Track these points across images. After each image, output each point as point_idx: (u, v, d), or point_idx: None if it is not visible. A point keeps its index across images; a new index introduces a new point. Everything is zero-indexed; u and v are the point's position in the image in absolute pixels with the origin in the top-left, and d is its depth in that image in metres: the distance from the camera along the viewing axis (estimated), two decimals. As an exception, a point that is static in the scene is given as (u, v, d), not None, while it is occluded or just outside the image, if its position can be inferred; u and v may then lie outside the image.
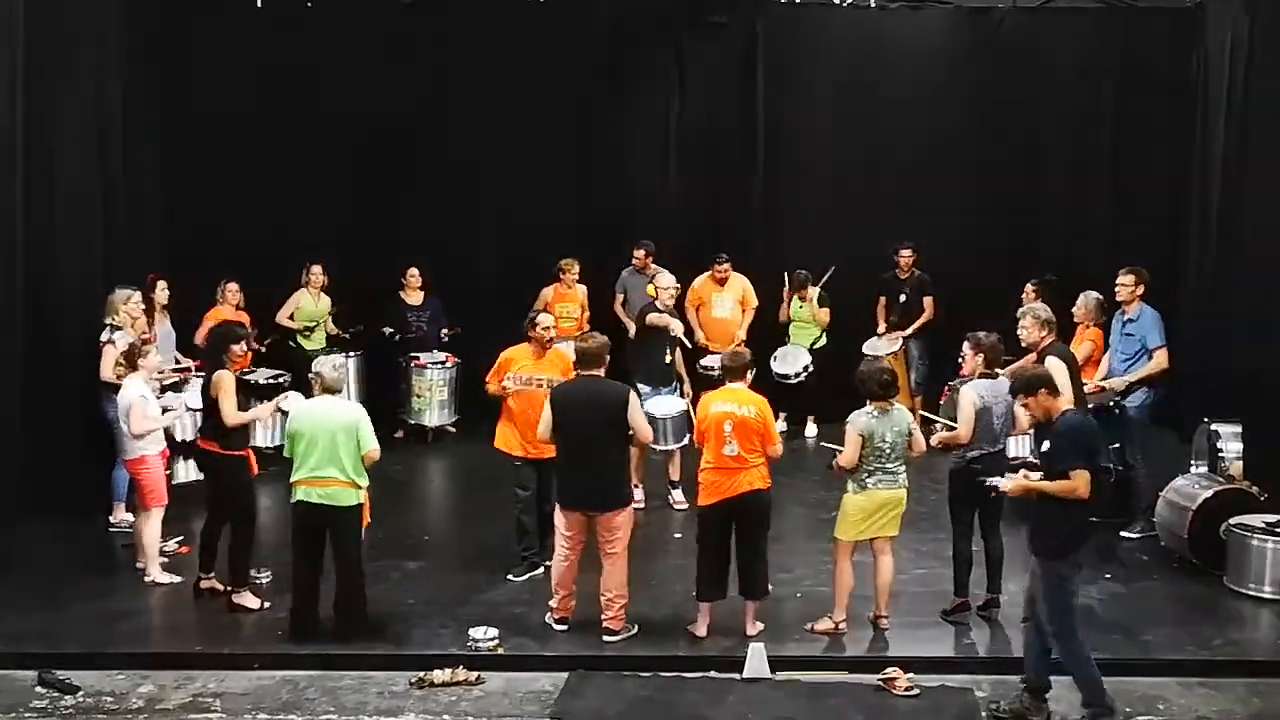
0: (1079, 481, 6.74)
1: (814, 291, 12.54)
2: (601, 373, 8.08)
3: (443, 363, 12.49)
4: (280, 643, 7.89)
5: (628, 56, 13.51)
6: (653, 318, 10.34)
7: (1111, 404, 9.64)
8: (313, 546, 7.94)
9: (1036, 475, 7.16)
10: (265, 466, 9.80)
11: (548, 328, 8.99)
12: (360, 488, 7.84)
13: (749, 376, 8.08)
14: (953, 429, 8.18)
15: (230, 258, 12.20)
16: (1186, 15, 12.52)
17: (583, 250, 12.82)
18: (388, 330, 12.66)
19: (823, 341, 12.50)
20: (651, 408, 9.51)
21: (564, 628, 8.03)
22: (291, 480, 7.89)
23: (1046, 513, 6.90)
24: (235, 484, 8.45)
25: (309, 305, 12.57)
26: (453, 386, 12.53)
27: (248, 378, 10.66)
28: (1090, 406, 9.48)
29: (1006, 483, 7.22)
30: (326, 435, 7.76)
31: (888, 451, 7.77)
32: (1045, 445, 7.04)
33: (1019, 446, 9.80)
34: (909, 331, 12.69)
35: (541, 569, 8.79)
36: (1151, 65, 12.84)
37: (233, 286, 11.76)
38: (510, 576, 8.89)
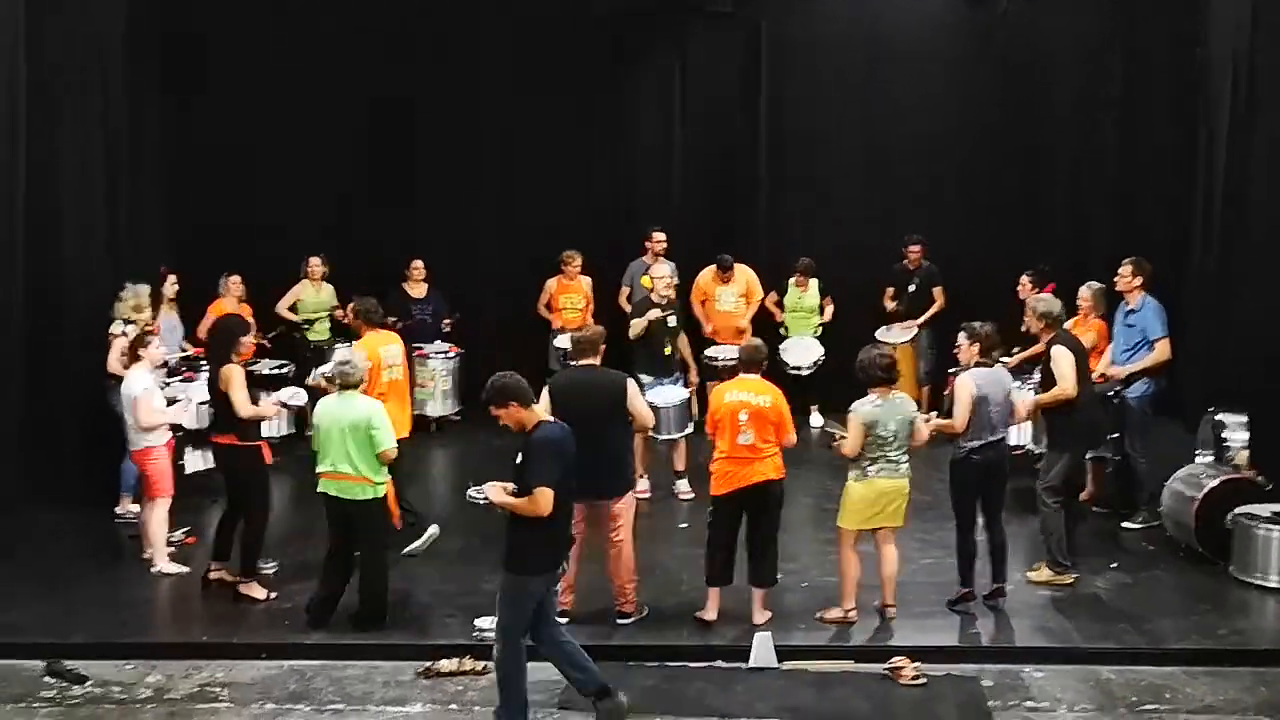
0: (540, 501, 6.50)
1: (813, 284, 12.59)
2: (598, 361, 8.07)
3: (446, 353, 12.51)
4: (288, 633, 7.91)
5: (630, 47, 13.53)
6: (634, 326, 10.30)
7: (1111, 394, 9.64)
8: (339, 537, 7.97)
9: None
10: (274, 458, 9.83)
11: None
12: (376, 483, 7.85)
13: (763, 368, 8.08)
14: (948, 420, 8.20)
15: (234, 250, 12.20)
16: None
17: (585, 242, 12.85)
18: (391, 320, 12.63)
19: (818, 333, 12.52)
20: (652, 397, 9.54)
21: (564, 621, 7.95)
22: (317, 472, 7.96)
23: (514, 529, 6.68)
24: (253, 475, 8.46)
25: (310, 297, 12.58)
26: (456, 377, 12.55)
27: (252, 368, 10.65)
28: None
29: (485, 494, 6.82)
30: (337, 431, 7.80)
31: (890, 440, 7.77)
32: (519, 457, 6.72)
33: (1020, 436, 9.81)
34: (922, 320, 12.70)
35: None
36: (1154, 50, 12.77)
37: (235, 279, 11.75)
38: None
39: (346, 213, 13.28)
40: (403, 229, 13.26)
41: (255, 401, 8.51)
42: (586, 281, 12.76)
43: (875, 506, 7.85)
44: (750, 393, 7.84)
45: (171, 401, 9.10)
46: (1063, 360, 8.47)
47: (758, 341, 8.54)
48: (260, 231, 12.80)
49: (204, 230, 12.53)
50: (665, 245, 12.48)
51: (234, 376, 8.33)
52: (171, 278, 10.88)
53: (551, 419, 6.89)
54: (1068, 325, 10.02)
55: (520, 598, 6.66)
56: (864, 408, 7.80)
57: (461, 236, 13.48)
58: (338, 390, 7.98)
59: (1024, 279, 10.99)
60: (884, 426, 7.75)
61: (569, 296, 12.66)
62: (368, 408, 7.90)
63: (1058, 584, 8.53)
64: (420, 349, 12.47)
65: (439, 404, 12.51)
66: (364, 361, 8.15)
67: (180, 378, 10.07)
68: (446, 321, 12.85)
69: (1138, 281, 9.76)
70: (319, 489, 7.92)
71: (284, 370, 10.99)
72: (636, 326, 10.29)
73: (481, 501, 6.83)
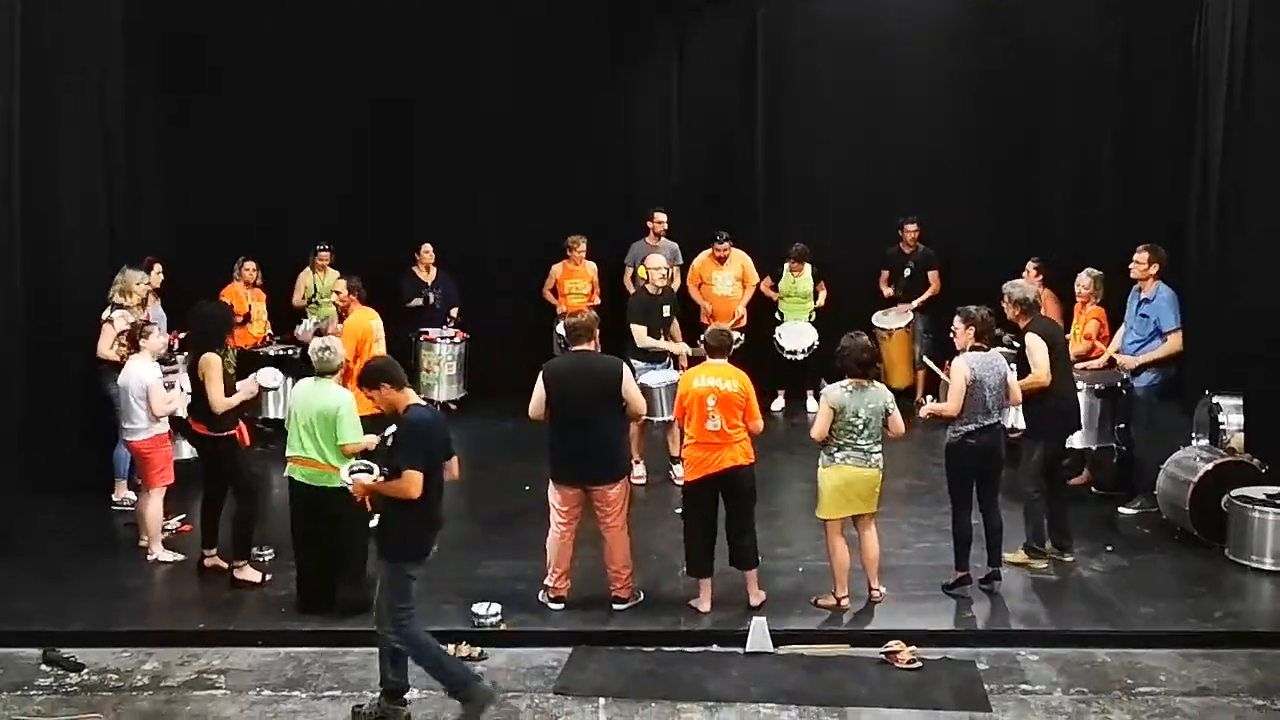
0: (408, 483, 6.50)
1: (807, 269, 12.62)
2: (592, 347, 8.10)
3: (452, 338, 12.54)
4: (284, 619, 7.92)
5: (629, 36, 13.54)
6: (657, 344, 10.35)
7: (1119, 384, 9.61)
8: (307, 522, 7.95)
9: None
10: (271, 442, 9.83)
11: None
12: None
13: (729, 353, 8.06)
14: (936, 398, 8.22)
15: (233, 250, 12.23)
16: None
17: (587, 228, 12.86)
18: (418, 301, 12.67)
19: (813, 318, 12.55)
20: (645, 379, 9.59)
21: (560, 607, 8.02)
22: (285, 455, 7.97)
23: (387, 513, 6.71)
24: (227, 462, 8.49)
25: (315, 284, 12.62)
26: (461, 362, 12.57)
27: (261, 350, 10.66)
28: (1098, 386, 9.50)
29: (353, 480, 6.84)
30: (306, 418, 7.78)
31: (860, 428, 7.75)
32: (389, 436, 6.74)
33: (1018, 419, 9.80)
34: (916, 304, 12.70)
35: None
36: (1153, 38, 12.73)
37: (250, 265, 11.80)
38: None
39: (347, 213, 13.28)
40: (403, 228, 13.27)
41: (233, 390, 8.49)
42: (592, 267, 12.79)
43: (846, 495, 7.85)
44: (718, 378, 7.83)
45: (170, 389, 9.12)
46: (1038, 349, 8.46)
47: (724, 326, 8.56)
48: (260, 232, 12.79)
49: (204, 230, 12.54)
50: (666, 226, 12.55)
51: (212, 367, 8.31)
52: (157, 267, 10.83)
53: (423, 402, 6.91)
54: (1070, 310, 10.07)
55: (399, 582, 6.69)
56: (834, 392, 7.81)
57: (462, 233, 13.46)
58: (315, 375, 7.96)
59: (1030, 266, 10.96)
60: (853, 414, 7.74)
61: (574, 282, 12.68)
62: (337, 398, 7.82)
63: (1032, 568, 8.54)
64: (427, 333, 12.50)
65: (444, 389, 12.47)
66: (342, 349, 8.16)
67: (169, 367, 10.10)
68: (453, 311, 12.86)
69: (1153, 269, 9.62)
70: (285, 473, 7.92)
71: (290, 353, 10.95)
72: (641, 336, 10.30)
73: (348, 482, 6.84)
